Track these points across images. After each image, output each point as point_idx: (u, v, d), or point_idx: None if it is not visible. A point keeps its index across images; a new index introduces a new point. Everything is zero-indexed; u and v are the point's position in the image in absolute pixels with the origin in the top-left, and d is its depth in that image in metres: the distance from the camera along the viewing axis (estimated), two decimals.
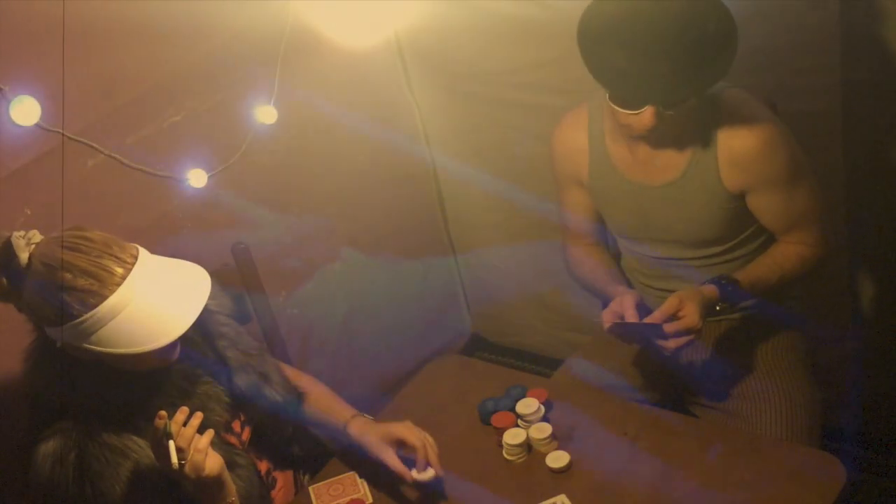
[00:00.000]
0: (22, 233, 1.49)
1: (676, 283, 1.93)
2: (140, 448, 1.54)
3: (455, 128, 2.74)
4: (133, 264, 1.48)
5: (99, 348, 1.46)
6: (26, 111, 1.81)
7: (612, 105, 1.71)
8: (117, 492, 1.51)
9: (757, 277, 1.79)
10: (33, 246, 1.48)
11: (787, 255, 1.85)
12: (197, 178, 2.17)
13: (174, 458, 1.45)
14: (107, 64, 1.98)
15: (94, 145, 1.96)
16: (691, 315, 1.66)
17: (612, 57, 1.63)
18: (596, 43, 1.66)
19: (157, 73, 2.07)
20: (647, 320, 1.68)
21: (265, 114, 2.30)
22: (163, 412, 1.45)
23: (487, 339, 3.17)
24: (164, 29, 2.04)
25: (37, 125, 1.84)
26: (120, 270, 1.46)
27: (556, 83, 2.38)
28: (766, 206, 1.82)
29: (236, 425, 1.74)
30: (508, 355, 3.06)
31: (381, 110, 2.68)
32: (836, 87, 2.05)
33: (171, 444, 1.45)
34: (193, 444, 1.47)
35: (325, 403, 1.87)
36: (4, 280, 1.50)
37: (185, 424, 1.47)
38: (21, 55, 1.82)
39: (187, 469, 1.46)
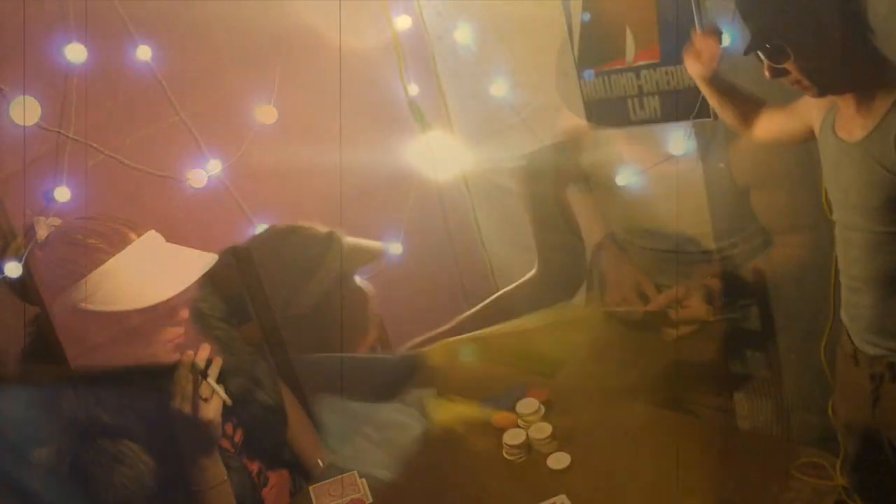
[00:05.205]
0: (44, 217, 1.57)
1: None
2: (134, 453, 1.55)
3: (455, 128, 2.74)
4: (144, 233, 1.54)
5: (105, 307, 1.47)
6: (26, 111, 1.81)
7: None
8: (111, 496, 1.52)
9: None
10: (53, 228, 1.54)
11: None
12: (197, 178, 2.17)
13: (223, 395, 1.58)
14: (107, 64, 1.98)
15: (94, 145, 1.96)
16: (696, 306, 1.64)
17: None
18: None
19: (157, 73, 2.07)
20: (648, 308, 1.67)
21: (265, 114, 2.30)
22: (189, 351, 1.55)
23: None
24: (164, 29, 2.04)
25: (37, 125, 1.84)
26: (133, 235, 1.52)
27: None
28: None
29: (228, 428, 1.75)
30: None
31: (381, 110, 2.68)
32: None
33: (211, 381, 1.57)
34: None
35: None
36: (24, 249, 1.54)
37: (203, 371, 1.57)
38: (21, 55, 1.82)
39: (212, 411, 1.57)
